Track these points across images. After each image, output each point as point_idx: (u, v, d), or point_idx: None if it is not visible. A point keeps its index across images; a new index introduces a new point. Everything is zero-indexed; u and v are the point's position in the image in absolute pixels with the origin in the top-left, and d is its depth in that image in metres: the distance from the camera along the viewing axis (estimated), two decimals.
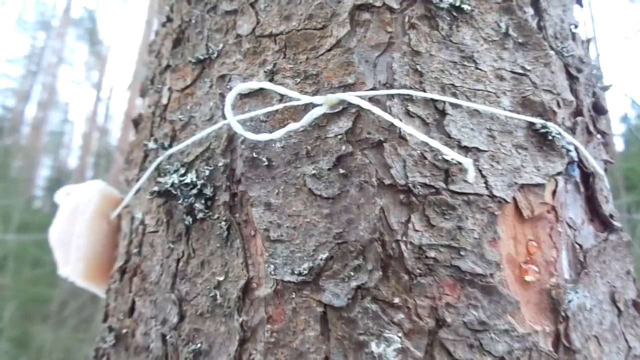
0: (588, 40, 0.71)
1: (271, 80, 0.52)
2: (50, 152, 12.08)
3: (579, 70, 0.60)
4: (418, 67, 0.50)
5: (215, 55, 0.58)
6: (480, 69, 0.52)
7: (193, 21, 0.63)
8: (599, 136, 0.61)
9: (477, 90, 0.51)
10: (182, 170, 0.55)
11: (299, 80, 0.51)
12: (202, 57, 0.59)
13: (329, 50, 0.51)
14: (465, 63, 0.51)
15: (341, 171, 0.46)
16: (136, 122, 0.73)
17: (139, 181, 0.62)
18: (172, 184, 0.54)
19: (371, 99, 0.48)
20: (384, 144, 0.46)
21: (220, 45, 0.58)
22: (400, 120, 0.47)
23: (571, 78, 0.59)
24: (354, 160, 0.46)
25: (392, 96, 0.48)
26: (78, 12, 12.58)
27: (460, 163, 0.44)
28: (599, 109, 0.63)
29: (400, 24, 0.52)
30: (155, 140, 0.61)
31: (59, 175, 11.36)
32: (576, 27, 0.65)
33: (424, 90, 0.49)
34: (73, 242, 0.72)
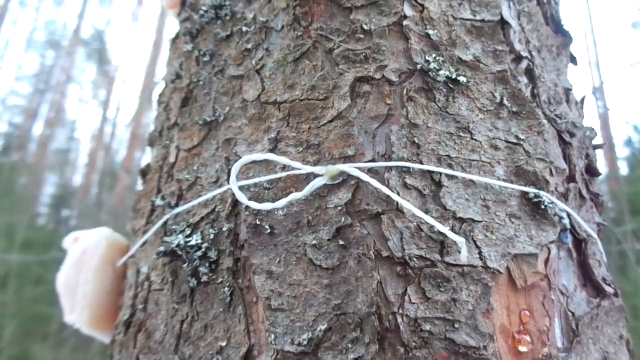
0: (582, 100, 0.73)
1: (275, 148, 0.54)
2: (56, 170, 12.17)
3: (572, 135, 0.62)
4: (415, 139, 0.52)
5: (221, 118, 0.61)
6: (475, 139, 0.54)
7: (201, 82, 0.66)
8: (591, 198, 0.63)
9: (472, 160, 0.53)
10: (188, 231, 0.57)
11: (301, 149, 0.53)
12: (209, 119, 0.62)
13: (330, 121, 0.53)
14: (461, 134, 0.54)
15: (340, 242, 0.48)
16: (144, 173, 0.75)
17: (145, 235, 0.64)
18: (178, 245, 0.56)
19: (370, 170, 0.51)
20: (382, 215, 0.48)
21: (227, 109, 0.61)
22: (398, 192, 0.49)
23: (564, 143, 0.61)
24: (352, 232, 0.48)
25: (390, 168, 0.50)
26: (88, 32, 12.81)
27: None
28: (592, 171, 0.65)
29: (398, 96, 0.54)
30: (163, 198, 0.63)
31: (63, 192, 11.43)
32: (570, 90, 0.68)
33: (421, 162, 0.51)
34: (79, 289, 0.74)
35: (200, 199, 0.57)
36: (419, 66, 0.55)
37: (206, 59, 0.67)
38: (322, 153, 0.52)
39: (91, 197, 10.00)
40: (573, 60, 0.75)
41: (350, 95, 0.54)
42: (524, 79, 0.60)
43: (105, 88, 12.22)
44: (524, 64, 0.61)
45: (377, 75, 0.55)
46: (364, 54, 0.56)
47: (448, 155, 0.52)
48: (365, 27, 0.57)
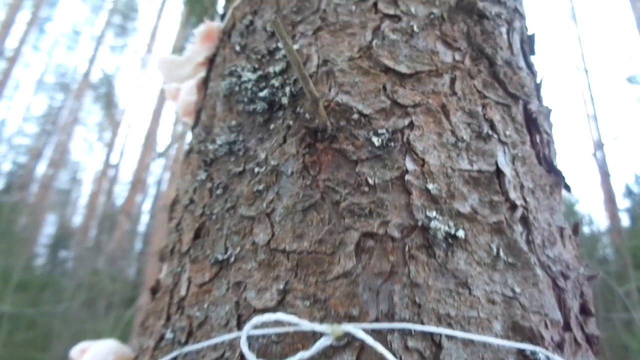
0: (576, 228, 0.77)
1: (283, 299, 0.57)
2: (56, 210, 12.20)
3: (566, 278, 0.65)
4: (417, 298, 0.55)
5: (232, 259, 0.64)
6: (473, 295, 0.57)
7: (214, 217, 0.69)
8: (587, 340, 0.65)
9: (471, 317, 0.56)
10: None
11: (308, 303, 0.56)
12: (220, 258, 0.65)
13: (337, 278, 0.56)
14: (460, 289, 0.57)
15: None
16: (154, 290, 0.78)
17: None
18: None
19: (374, 330, 0.53)
20: None
21: (238, 249, 0.64)
22: (400, 356, 0.52)
23: (558, 288, 0.64)
24: None
25: (393, 329, 0.53)
26: (97, 76, 13.16)
27: None
28: (586, 311, 0.67)
29: (401, 252, 0.58)
30: (173, 331, 0.65)
31: (62, 233, 11.41)
32: (564, 228, 0.71)
33: (422, 322, 0.54)
34: None
35: (210, 342, 0.60)
36: (420, 222, 0.59)
37: (219, 192, 0.71)
38: (329, 310, 0.55)
39: (89, 240, 9.97)
40: (567, 188, 0.79)
41: (355, 252, 0.57)
42: (519, 228, 0.64)
43: (110, 131, 12.43)
44: (518, 213, 0.65)
45: (381, 231, 0.58)
46: (368, 209, 0.60)
47: (448, 314, 0.55)
48: (369, 180, 0.61)
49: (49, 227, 11.61)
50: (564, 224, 0.72)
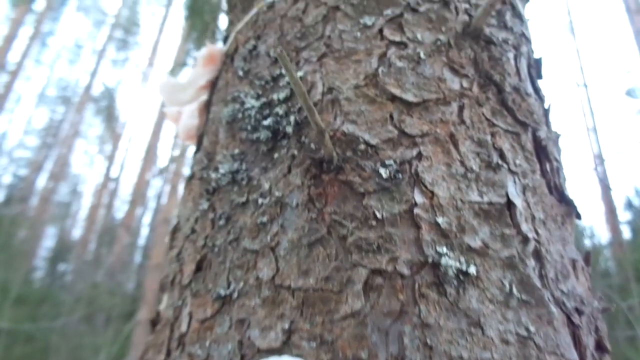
0: (587, 257, 0.74)
1: (288, 340, 0.55)
2: (56, 222, 12.15)
3: (581, 313, 0.63)
4: (428, 340, 0.53)
5: (235, 295, 0.62)
6: (486, 335, 0.54)
7: (216, 249, 0.67)
8: None
9: (485, 359, 0.53)
10: None
11: (314, 345, 0.54)
12: (223, 293, 0.63)
13: (344, 318, 0.54)
14: (472, 330, 0.54)
15: None
16: (154, 322, 0.75)
17: None
18: None
19: None
20: None
21: (241, 284, 0.62)
22: None
23: (573, 325, 0.61)
24: None
25: None
26: (98, 89, 13.21)
27: None
28: (602, 348, 0.65)
29: (410, 290, 0.55)
30: None
31: (62, 246, 11.35)
32: (576, 260, 0.69)
33: None
34: None
35: None
36: (430, 258, 0.57)
37: (222, 222, 0.69)
38: (336, 352, 0.53)
39: (89, 253, 9.91)
40: (579, 217, 0.77)
41: (364, 290, 0.55)
42: (531, 262, 0.62)
43: (111, 144, 12.44)
44: (531, 246, 0.63)
45: (390, 268, 0.56)
46: (376, 244, 0.58)
47: (460, 356, 0.53)
48: (377, 214, 0.60)
49: (48, 240, 11.54)
50: (576, 255, 0.70)
